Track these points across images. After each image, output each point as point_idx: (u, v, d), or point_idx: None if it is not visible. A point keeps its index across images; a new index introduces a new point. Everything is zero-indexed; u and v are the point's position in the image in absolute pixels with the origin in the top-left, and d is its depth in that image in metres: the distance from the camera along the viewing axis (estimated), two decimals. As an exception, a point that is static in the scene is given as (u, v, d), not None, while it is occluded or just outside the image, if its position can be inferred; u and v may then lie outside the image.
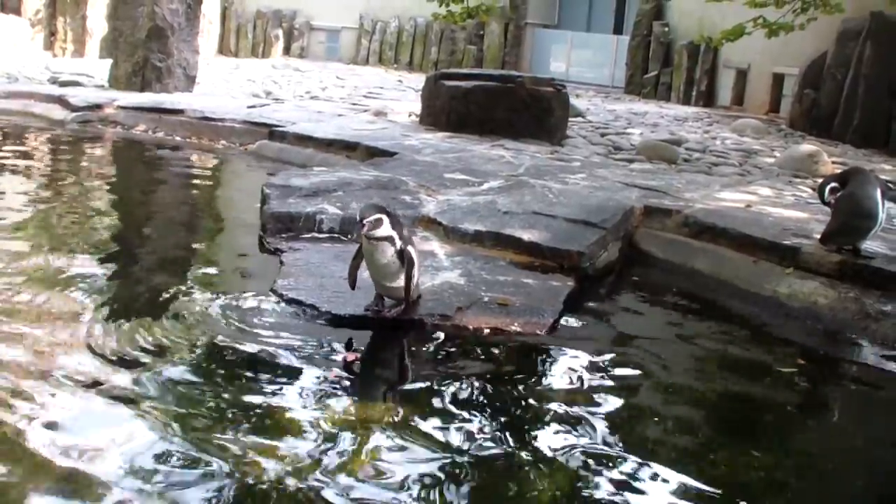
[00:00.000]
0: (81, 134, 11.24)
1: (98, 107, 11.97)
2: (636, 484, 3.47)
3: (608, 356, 4.89)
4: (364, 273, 4.93)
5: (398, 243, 4.73)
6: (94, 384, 3.90)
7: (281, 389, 4.04)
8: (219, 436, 3.56)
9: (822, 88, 14.83)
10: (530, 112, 11.41)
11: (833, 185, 6.30)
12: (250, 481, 3.24)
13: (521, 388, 4.33)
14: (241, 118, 11.46)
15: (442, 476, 3.39)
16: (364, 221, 4.60)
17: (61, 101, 12.23)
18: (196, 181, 9.45)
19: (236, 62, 22.51)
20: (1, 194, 7.57)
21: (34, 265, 5.53)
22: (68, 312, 4.74)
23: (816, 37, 14.62)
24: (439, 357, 4.63)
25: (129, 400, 3.79)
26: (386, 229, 4.70)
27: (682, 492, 3.44)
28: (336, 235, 6.35)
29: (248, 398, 3.93)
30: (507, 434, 3.80)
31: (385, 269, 4.79)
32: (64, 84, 13.79)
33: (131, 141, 11.13)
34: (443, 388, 4.20)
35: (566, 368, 4.64)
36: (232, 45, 25.90)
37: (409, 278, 4.80)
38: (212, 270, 6.07)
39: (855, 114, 13.93)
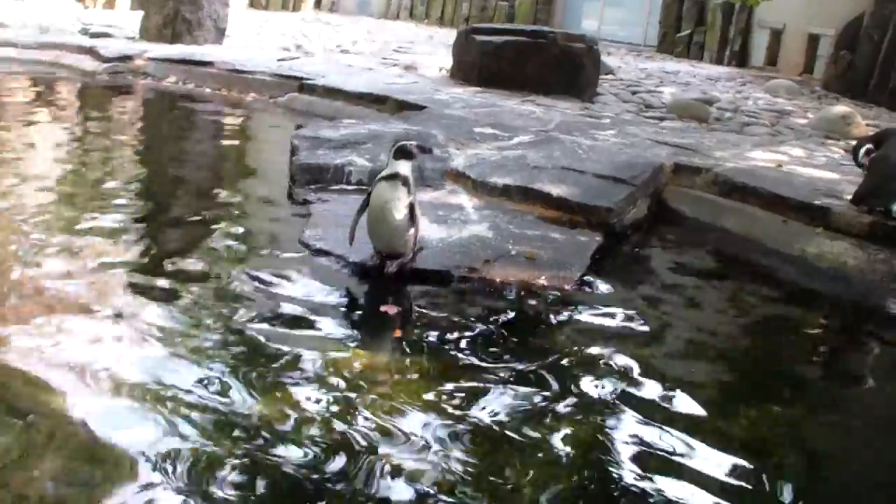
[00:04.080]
0: (112, 85, 11.26)
1: (128, 58, 11.99)
2: (658, 437, 3.48)
3: (634, 311, 4.88)
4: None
5: (412, 195, 4.78)
6: (122, 326, 3.95)
7: (309, 338, 4.08)
8: (243, 382, 3.60)
9: (858, 50, 14.59)
10: (561, 68, 11.33)
11: (868, 146, 6.24)
12: (276, 429, 3.28)
13: (546, 340, 4.35)
14: (271, 71, 11.44)
15: (467, 425, 3.42)
16: (421, 146, 4.94)
17: (92, 53, 12.25)
18: (225, 133, 9.47)
19: (266, 15, 22.41)
20: (32, 144, 7.62)
21: (65, 213, 5.60)
22: (97, 258, 4.79)
23: (854, -3, 14.41)
24: (467, 308, 4.64)
25: (155, 343, 3.84)
26: (409, 172, 4.79)
27: (704, 444, 3.45)
28: (365, 187, 6.32)
29: (275, 346, 3.96)
30: (533, 386, 3.81)
31: (394, 222, 4.78)
32: (95, 35, 13.78)
33: (161, 92, 11.15)
34: (470, 339, 4.22)
35: (592, 322, 4.64)
36: (262, -2, 25.78)
37: (416, 235, 4.89)
38: (240, 220, 6.08)
39: (891, 76, 13.70)
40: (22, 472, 2.85)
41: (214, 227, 5.72)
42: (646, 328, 4.66)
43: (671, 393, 3.89)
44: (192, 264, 4.87)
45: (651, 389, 3.89)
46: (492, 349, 4.15)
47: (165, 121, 9.97)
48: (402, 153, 4.80)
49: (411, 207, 4.79)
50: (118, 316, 4.06)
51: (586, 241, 5.70)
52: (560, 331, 4.49)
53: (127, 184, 6.55)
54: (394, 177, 4.77)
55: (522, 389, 3.76)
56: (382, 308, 4.53)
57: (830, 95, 14.34)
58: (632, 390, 3.87)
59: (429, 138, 7.26)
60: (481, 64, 11.49)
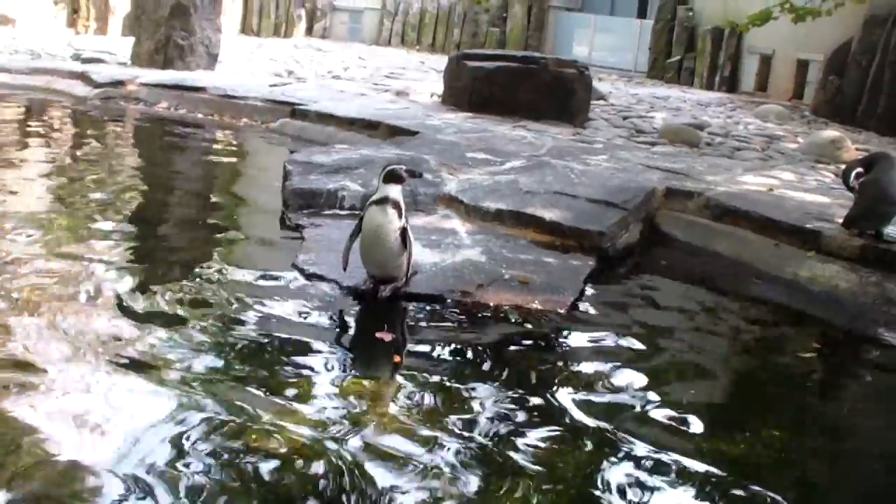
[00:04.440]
0: (104, 110, 11.29)
1: (120, 83, 12.02)
2: (654, 460, 3.47)
3: (627, 335, 4.89)
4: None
5: (403, 218, 4.80)
6: (118, 354, 3.93)
7: (302, 364, 4.07)
8: (235, 406, 3.59)
9: (846, 75, 14.69)
10: (553, 94, 11.39)
11: (858, 169, 6.27)
12: (268, 452, 3.27)
13: (540, 364, 4.34)
14: (263, 96, 11.47)
15: (460, 448, 3.41)
16: (410, 170, 4.98)
17: (84, 78, 12.28)
18: (218, 158, 9.46)
19: (258, 41, 22.50)
20: (25, 170, 7.61)
21: (59, 239, 5.57)
22: (91, 285, 4.77)
23: (842, 23, 14.47)
24: (461, 332, 4.63)
25: (151, 370, 3.82)
26: (399, 196, 4.79)
27: (699, 468, 3.44)
28: (357, 212, 6.32)
29: (269, 370, 3.95)
30: (526, 409, 3.81)
31: (386, 246, 4.78)
32: (86, 61, 13.83)
33: (153, 118, 11.16)
34: (463, 363, 4.23)
35: (585, 346, 4.64)
36: (254, 24, 25.87)
37: (409, 258, 4.87)
38: (234, 246, 6.08)
39: (879, 101, 13.78)
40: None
41: (207, 252, 5.71)
42: (639, 352, 4.66)
43: (664, 416, 3.88)
44: (185, 289, 4.85)
45: (644, 413, 3.89)
46: (485, 374, 4.14)
47: (157, 146, 9.96)
48: (391, 177, 4.81)
49: (403, 231, 4.80)
50: (109, 342, 4.04)
51: (579, 266, 5.71)
52: (554, 355, 4.49)
53: (119, 208, 6.54)
54: (383, 201, 4.78)
55: (517, 415, 3.75)
56: (378, 335, 4.52)
57: (820, 120, 14.42)
58: (625, 414, 3.86)
59: (421, 163, 7.27)
60: (473, 89, 11.54)
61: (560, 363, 4.38)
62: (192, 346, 4.10)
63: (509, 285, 5.19)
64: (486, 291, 5.06)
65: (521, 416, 3.74)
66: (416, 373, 4.09)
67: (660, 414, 3.90)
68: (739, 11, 16.90)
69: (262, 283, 5.07)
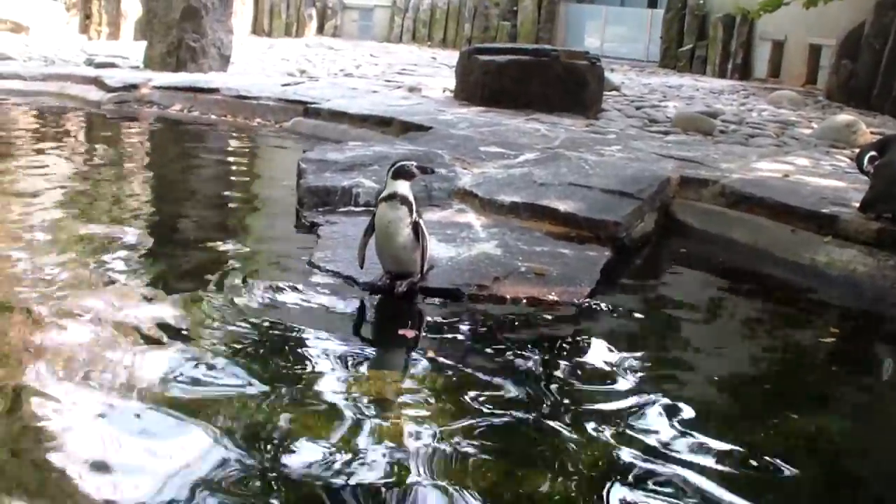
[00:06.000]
0: (118, 114, 11.32)
1: (134, 87, 12.04)
2: (675, 449, 3.47)
3: (645, 324, 4.89)
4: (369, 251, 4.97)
5: (415, 214, 4.80)
6: (136, 350, 3.96)
7: (320, 359, 4.08)
8: (257, 405, 3.61)
9: (859, 59, 14.61)
10: (565, 86, 11.35)
11: (872, 153, 6.25)
12: (292, 447, 3.29)
13: (558, 355, 4.34)
14: (276, 96, 11.50)
15: (478, 440, 3.42)
16: (422, 166, 4.96)
17: (97, 82, 12.31)
18: (232, 158, 9.49)
19: (270, 42, 22.52)
20: (42, 174, 7.65)
21: (76, 239, 5.61)
22: (109, 282, 4.81)
23: (854, 7, 14.41)
24: (478, 325, 4.64)
25: (167, 362, 3.84)
26: (408, 191, 4.80)
27: (722, 457, 3.44)
28: (372, 208, 6.35)
29: (291, 369, 3.96)
30: (544, 400, 3.81)
31: (400, 242, 4.80)
32: (99, 66, 13.86)
33: (167, 120, 11.19)
34: (482, 355, 4.23)
35: (603, 336, 4.64)
36: (265, 24, 25.87)
37: (424, 253, 4.86)
38: (249, 244, 6.10)
39: (893, 84, 13.71)
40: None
41: (223, 251, 5.73)
42: (657, 340, 4.67)
43: (687, 405, 3.88)
44: (202, 288, 4.87)
45: (666, 401, 3.88)
46: (505, 366, 4.13)
47: (172, 148, 10.00)
48: (399, 173, 4.83)
49: (416, 226, 4.81)
50: (128, 343, 4.07)
51: (595, 256, 5.71)
52: (572, 345, 4.49)
53: (136, 210, 6.58)
54: (392, 197, 4.79)
55: (538, 405, 3.76)
56: (401, 331, 4.53)
57: (834, 105, 14.36)
58: (647, 403, 3.86)
59: (435, 158, 7.28)
60: (485, 83, 11.52)
61: (578, 353, 4.39)
62: (209, 344, 4.12)
63: (525, 277, 5.19)
64: (503, 284, 5.07)
65: (542, 406, 3.74)
66: (438, 366, 4.09)
67: (680, 401, 3.89)
68: (750, -2, 16.84)
69: (278, 281, 5.08)
